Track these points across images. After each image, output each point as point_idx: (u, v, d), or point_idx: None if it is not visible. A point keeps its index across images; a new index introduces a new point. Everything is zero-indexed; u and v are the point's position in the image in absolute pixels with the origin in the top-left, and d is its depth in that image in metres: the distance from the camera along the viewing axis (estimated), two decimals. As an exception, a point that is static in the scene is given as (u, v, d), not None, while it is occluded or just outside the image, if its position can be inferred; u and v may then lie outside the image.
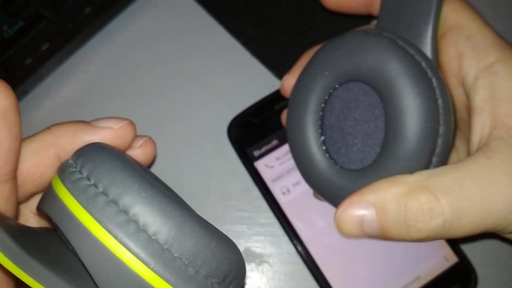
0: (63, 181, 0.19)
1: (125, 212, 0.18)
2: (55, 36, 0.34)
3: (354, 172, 0.26)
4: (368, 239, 0.25)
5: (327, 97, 0.27)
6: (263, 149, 0.32)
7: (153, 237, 0.18)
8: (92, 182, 0.19)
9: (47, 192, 0.20)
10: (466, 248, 0.30)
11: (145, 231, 0.18)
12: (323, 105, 0.27)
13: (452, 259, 0.30)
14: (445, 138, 0.23)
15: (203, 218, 0.20)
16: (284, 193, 0.31)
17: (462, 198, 0.20)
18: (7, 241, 0.17)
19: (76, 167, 0.19)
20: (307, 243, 0.30)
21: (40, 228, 0.22)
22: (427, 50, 0.24)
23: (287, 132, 0.29)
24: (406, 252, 0.30)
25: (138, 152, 0.24)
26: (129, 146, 0.24)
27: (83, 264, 0.18)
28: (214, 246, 0.19)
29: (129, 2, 0.36)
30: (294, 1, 0.37)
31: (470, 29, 0.24)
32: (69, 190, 0.19)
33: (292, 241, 0.30)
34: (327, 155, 0.27)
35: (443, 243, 0.30)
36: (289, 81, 0.29)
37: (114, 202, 0.18)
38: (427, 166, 0.23)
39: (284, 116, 0.30)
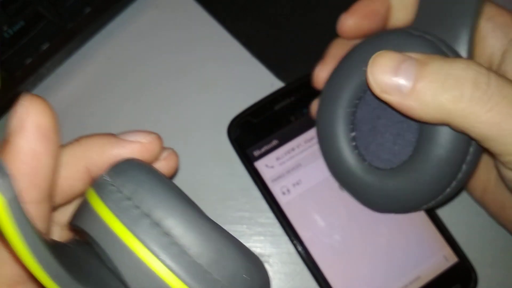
0: (104, 199, 0.19)
1: (168, 234, 0.18)
2: (55, 36, 0.34)
3: (382, 170, 0.26)
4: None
5: (362, 94, 0.27)
6: (263, 149, 0.32)
7: (196, 260, 0.18)
8: (135, 203, 0.19)
9: (84, 209, 0.20)
10: (466, 248, 0.30)
11: (188, 254, 0.18)
12: (357, 101, 0.27)
13: (452, 259, 0.30)
14: (477, 147, 0.24)
15: (234, 237, 0.20)
16: (284, 193, 0.31)
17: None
18: (55, 265, 0.17)
19: (114, 185, 0.19)
20: (307, 243, 0.30)
21: (72, 242, 0.21)
22: (464, 51, 0.24)
23: (317, 124, 0.29)
24: (406, 252, 0.30)
25: (162, 165, 0.24)
26: (156, 160, 0.24)
27: (124, 285, 0.18)
28: (249, 268, 0.20)
29: (129, 2, 0.36)
30: (294, 1, 0.37)
31: (488, 12, 0.25)
32: (112, 210, 0.19)
33: (292, 241, 0.30)
34: (356, 151, 0.27)
35: (443, 243, 0.30)
36: (323, 72, 0.30)
37: (158, 224, 0.18)
38: (457, 172, 0.24)
39: (314, 106, 0.31)
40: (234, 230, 0.31)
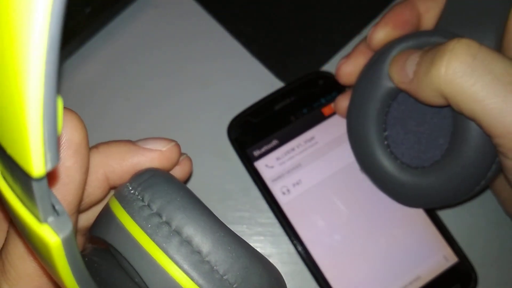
0: (132, 215, 0.19)
1: (198, 251, 0.19)
2: (55, 36, 0.34)
3: (415, 169, 0.28)
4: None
5: (395, 94, 0.28)
6: (263, 149, 0.32)
7: (224, 277, 0.19)
8: (164, 219, 0.19)
9: (109, 221, 0.20)
10: (466, 248, 0.30)
11: (216, 271, 0.19)
12: (390, 101, 0.28)
13: (452, 259, 0.30)
14: None
15: (258, 253, 0.21)
16: (284, 193, 0.31)
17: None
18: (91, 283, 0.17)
19: (143, 199, 0.19)
20: (307, 243, 0.30)
21: (90, 251, 0.22)
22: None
23: (348, 122, 0.30)
24: (406, 252, 0.30)
25: (177, 170, 0.24)
26: (174, 167, 0.23)
27: None
28: (272, 283, 0.20)
29: (129, 2, 0.36)
30: (294, 1, 0.37)
31: None
32: (142, 227, 0.19)
33: (292, 241, 0.30)
34: (389, 150, 0.28)
35: (443, 243, 0.30)
36: (347, 67, 0.30)
37: (187, 242, 0.19)
38: (486, 173, 0.25)
39: (340, 103, 0.31)
40: (234, 230, 0.31)
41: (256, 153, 0.32)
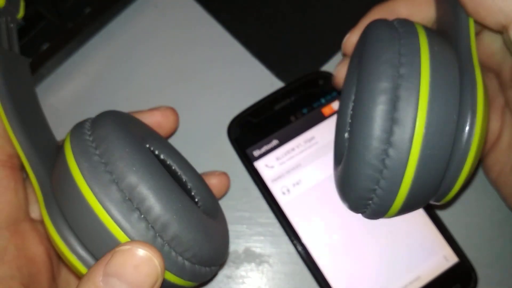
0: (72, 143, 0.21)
1: (130, 199, 0.20)
2: (55, 36, 0.34)
3: (337, 164, 0.27)
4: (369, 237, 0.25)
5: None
6: (263, 149, 0.32)
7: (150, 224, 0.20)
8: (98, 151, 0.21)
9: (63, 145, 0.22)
10: (466, 248, 0.30)
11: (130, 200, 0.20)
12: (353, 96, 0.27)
13: (452, 259, 0.30)
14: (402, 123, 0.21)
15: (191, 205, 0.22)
16: (284, 193, 0.31)
17: None
18: None
19: (90, 140, 0.21)
20: (307, 243, 0.30)
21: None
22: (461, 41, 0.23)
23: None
24: (406, 252, 0.30)
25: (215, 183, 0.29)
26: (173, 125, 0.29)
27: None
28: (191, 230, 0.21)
29: (129, 2, 0.36)
30: (293, 1, 0.37)
31: None
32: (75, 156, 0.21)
33: (292, 241, 0.30)
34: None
35: (443, 243, 0.30)
36: (351, 39, 0.29)
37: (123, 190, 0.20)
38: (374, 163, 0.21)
39: (340, 72, 0.30)
40: (234, 230, 0.31)
41: (256, 153, 0.32)
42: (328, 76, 0.34)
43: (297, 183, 0.31)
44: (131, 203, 0.20)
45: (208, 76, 0.35)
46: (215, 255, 0.23)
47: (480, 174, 0.32)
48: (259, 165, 0.32)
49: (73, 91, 0.35)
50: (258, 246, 0.31)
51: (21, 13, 0.27)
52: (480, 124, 0.21)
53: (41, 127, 0.25)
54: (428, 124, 0.20)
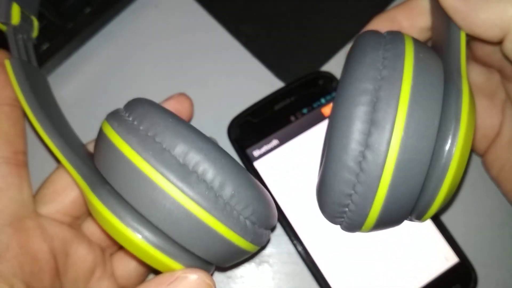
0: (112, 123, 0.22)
1: (185, 164, 0.20)
2: (55, 36, 0.34)
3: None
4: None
5: None
6: (263, 149, 0.32)
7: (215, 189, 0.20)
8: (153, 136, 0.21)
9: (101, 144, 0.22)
10: (466, 248, 0.30)
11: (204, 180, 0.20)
12: None
13: (452, 259, 0.30)
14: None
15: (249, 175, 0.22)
16: (284, 193, 0.31)
17: None
18: None
19: (131, 119, 0.22)
20: (307, 243, 0.30)
21: None
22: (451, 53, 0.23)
23: None
24: (406, 252, 0.30)
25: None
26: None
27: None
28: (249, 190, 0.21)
29: (129, 2, 0.36)
30: (294, 1, 0.37)
31: None
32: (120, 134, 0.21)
33: (292, 241, 0.30)
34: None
35: (443, 243, 0.30)
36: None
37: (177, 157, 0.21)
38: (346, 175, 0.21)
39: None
40: (234, 230, 0.31)
41: (256, 153, 0.32)
42: (328, 76, 0.34)
43: (297, 183, 0.31)
44: (187, 167, 0.20)
45: (208, 76, 0.35)
46: (270, 213, 0.23)
47: (480, 174, 0.32)
48: (259, 165, 0.32)
49: (73, 91, 0.35)
50: (258, 246, 0.31)
51: (35, 33, 0.29)
52: (464, 133, 0.20)
53: (68, 129, 0.26)
54: (407, 126, 0.19)
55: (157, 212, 0.20)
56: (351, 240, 0.30)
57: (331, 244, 0.30)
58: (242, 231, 0.21)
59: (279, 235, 0.31)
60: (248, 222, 0.21)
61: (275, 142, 0.32)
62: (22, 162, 0.24)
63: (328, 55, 0.35)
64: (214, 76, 0.35)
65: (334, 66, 0.35)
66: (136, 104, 0.22)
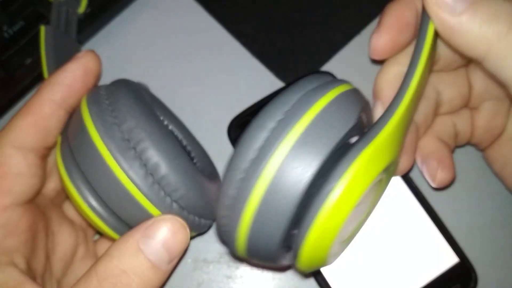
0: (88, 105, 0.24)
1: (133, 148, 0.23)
2: (55, 36, 0.34)
3: None
4: None
5: None
6: (263, 149, 0.32)
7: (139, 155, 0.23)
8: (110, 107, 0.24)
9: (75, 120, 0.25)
10: (466, 248, 0.30)
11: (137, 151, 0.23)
12: None
13: (452, 259, 0.30)
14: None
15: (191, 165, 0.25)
16: (284, 193, 0.31)
17: None
18: None
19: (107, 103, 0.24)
20: (307, 243, 0.30)
21: None
22: None
23: None
24: (406, 252, 0.30)
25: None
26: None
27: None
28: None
29: (129, 2, 0.36)
30: (294, 1, 0.37)
31: None
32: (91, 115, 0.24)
33: (292, 241, 0.30)
34: None
35: (443, 243, 0.30)
36: (381, 39, 0.26)
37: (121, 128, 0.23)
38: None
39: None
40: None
41: (256, 153, 0.32)
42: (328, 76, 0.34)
43: (297, 183, 0.31)
44: (129, 143, 0.22)
45: (208, 76, 0.35)
46: (202, 204, 0.24)
47: (480, 174, 0.32)
48: (259, 165, 0.32)
49: (73, 91, 0.35)
50: (258, 246, 0.31)
51: (82, 8, 0.32)
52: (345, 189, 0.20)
53: None
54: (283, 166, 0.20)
55: (96, 175, 0.23)
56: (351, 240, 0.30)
57: (331, 244, 0.30)
58: (166, 211, 0.23)
59: (279, 235, 0.31)
60: (175, 205, 0.23)
61: (275, 142, 0.32)
62: (46, 156, 0.26)
63: (328, 55, 0.35)
64: (214, 76, 0.35)
65: (334, 66, 0.35)
66: (115, 83, 0.25)
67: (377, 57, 0.27)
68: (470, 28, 0.21)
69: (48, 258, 0.26)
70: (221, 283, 0.31)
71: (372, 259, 0.30)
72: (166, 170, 0.23)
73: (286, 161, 0.20)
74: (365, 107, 0.23)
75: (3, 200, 0.24)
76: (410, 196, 0.31)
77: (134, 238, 0.22)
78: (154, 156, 0.22)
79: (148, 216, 0.23)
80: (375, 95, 0.27)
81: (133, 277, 0.22)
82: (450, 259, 0.30)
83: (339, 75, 0.32)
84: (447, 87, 0.28)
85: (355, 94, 0.23)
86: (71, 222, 0.29)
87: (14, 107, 0.34)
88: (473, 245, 0.30)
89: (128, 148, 0.22)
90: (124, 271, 0.22)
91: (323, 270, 0.29)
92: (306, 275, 0.30)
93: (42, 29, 0.28)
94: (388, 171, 0.23)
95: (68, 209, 0.29)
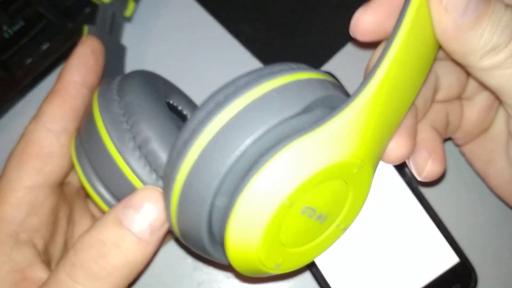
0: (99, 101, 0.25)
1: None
2: (55, 36, 0.34)
3: None
4: None
5: None
6: (263, 149, 0.32)
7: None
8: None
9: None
10: (466, 248, 0.30)
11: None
12: None
13: (452, 259, 0.30)
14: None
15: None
16: (284, 193, 0.31)
17: None
18: None
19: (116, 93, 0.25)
20: (307, 243, 0.30)
21: None
22: None
23: None
24: (406, 252, 0.30)
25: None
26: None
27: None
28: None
29: (129, 2, 0.36)
30: (294, 1, 0.37)
31: None
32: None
33: (292, 241, 0.30)
34: None
35: (443, 243, 0.30)
36: (367, 17, 0.25)
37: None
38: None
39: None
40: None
41: (256, 153, 0.32)
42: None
43: (297, 183, 0.31)
44: (130, 133, 0.23)
45: (208, 75, 0.35)
46: None
47: (480, 174, 0.32)
48: (259, 165, 0.32)
49: (73, 91, 0.35)
50: (258, 246, 0.31)
51: (128, 12, 0.33)
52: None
53: None
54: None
55: (100, 163, 0.24)
56: (351, 240, 0.30)
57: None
58: (153, 183, 0.23)
59: (279, 235, 0.31)
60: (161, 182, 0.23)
61: (275, 142, 0.32)
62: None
63: (328, 55, 0.35)
64: (214, 76, 0.35)
65: (334, 66, 0.35)
66: (130, 73, 0.26)
67: (358, 35, 0.25)
68: (470, 40, 0.21)
69: (66, 245, 0.27)
70: (221, 283, 0.31)
71: (372, 259, 0.30)
72: (154, 147, 0.23)
73: (210, 143, 0.20)
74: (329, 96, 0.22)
75: (34, 179, 0.25)
76: (410, 196, 0.31)
77: (115, 209, 0.22)
78: (143, 130, 0.23)
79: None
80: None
81: (111, 246, 0.21)
82: (450, 259, 0.30)
83: (339, 75, 0.32)
84: (447, 71, 0.27)
85: (316, 83, 0.22)
86: (92, 216, 0.29)
87: (14, 107, 0.34)
88: (473, 245, 0.30)
89: (130, 138, 0.23)
90: (101, 241, 0.22)
91: (323, 270, 0.29)
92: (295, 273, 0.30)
93: (85, 28, 0.29)
94: (354, 174, 0.21)
95: (92, 203, 0.30)
